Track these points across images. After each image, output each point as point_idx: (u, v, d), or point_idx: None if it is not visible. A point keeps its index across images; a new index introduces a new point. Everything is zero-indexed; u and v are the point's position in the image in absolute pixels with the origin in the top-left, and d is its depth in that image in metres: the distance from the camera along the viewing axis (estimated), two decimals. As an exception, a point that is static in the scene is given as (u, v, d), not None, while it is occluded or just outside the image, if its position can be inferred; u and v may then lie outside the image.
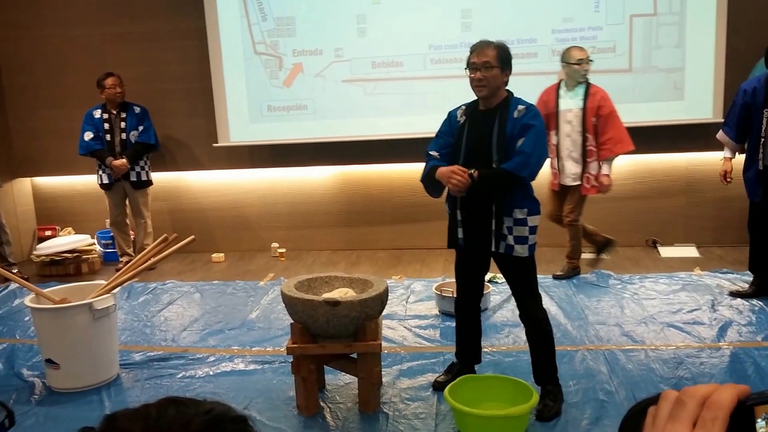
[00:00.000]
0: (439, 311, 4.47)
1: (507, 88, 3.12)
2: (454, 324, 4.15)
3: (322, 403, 3.25)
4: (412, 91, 5.91)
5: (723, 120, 5.50)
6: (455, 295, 3.42)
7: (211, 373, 3.65)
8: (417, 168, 5.89)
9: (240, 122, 6.18)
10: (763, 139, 4.10)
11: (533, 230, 3.04)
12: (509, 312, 4.37)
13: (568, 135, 4.88)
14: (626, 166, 5.93)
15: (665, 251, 5.72)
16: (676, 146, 5.75)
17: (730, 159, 4.43)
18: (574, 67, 4.79)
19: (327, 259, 6.08)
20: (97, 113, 5.82)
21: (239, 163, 6.38)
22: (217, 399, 0.68)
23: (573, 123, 4.85)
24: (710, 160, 5.80)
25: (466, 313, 3.37)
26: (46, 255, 5.83)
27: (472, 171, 2.95)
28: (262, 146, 6.27)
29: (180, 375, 3.63)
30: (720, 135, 4.45)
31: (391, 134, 5.93)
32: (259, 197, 6.47)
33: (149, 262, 3.63)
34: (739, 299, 4.38)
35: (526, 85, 5.71)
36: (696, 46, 5.51)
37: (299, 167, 6.32)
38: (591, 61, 4.86)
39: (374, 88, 5.98)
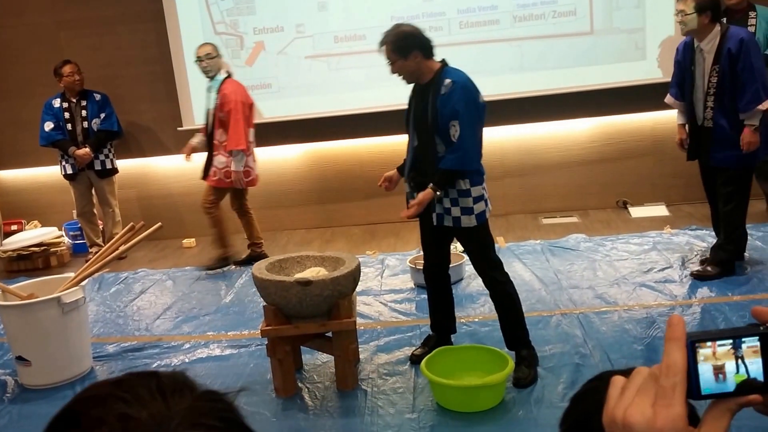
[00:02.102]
0: (415, 284, 4.48)
1: (444, 58, 3.16)
2: (428, 296, 4.18)
3: (300, 384, 3.24)
4: (376, 64, 5.80)
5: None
6: (423, 264, 3.46)
7: (186, 360, 3.62)
8: (386, 141, 5.91)
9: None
10: (693, 97, 4.06)
11: (478, 200, 3.08)
12: (484, 281, 4.39)
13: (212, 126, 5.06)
14: (593, 128, 5.96)
15: (635, 211, 5.77)
16: (641, 106, 5.77)
17: (683, 125, 4.28)
18: (199, 65, 4.99)
19: (301, 238, 6.05)
20: (57, 102, 5.67)
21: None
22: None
23: (210, 115, 5.04)
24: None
25: (435, 283, 3.39)
26: (13, 250, 5.71)
27: (437, 191, 3.05)
28: (229, 128, 6.17)
29: (155, 364, 3.60)
30: (668, 98, 4.33)
31: (358, 108, 5.88)
32: (229, 179, 6.39)
33: (117, 252, 3.57)
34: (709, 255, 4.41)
35: (489, 53, 5.70)
36: (655, 6, 5.51)
37: (267, 147, 6.23)
38: (215, 57, 4.98)
39: (338, 63, 5.91)
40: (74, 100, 5.66)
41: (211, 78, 5.01)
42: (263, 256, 5.26)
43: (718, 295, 3.86)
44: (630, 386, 0.57)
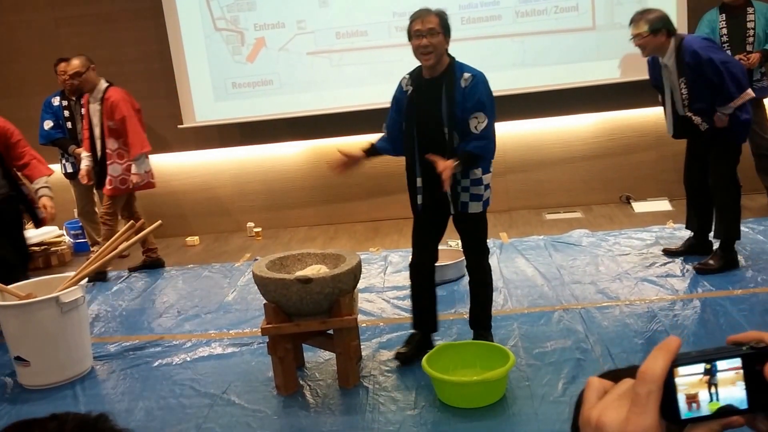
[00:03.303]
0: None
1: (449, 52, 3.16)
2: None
3: (301, 382, 3.23)
4: (378, 60, 5.82)
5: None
6: (411, 260, 3.42)
7: (188, 359, 3.61)
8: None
9: (205, 101, 6.06)
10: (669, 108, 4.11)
11: (487, 187, 3.20)
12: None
13: (98, 137, 5.03)
14: (596, 124, 5.93)
15: (639, 206, 5.75)
16: (644, 102, 5.73)
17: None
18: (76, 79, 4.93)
19: (304, 236, 6.04)
20: (56, 100, 5.65)
21: (208, 143, 6.28)
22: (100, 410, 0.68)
23: (98, 126, 5.00)
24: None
25: (422, 277, 3.37)
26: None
27: (457, 164, 2.96)
28: (230, 124, 6.16)
29: (156, 363, 3.59)
30: (660, 99, 4.36)
31: (360, 105, 5.85)
32: (232, 177, 6.38)
33: (117, 250, 3.57)
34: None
35: (491, 49, 5.67)
36: (657, 1, 5.46)
37: (270, 144, 6.22)
38: (88, 69, 4.92)
39: (340, 59, 5.89)
40: (74, 98, 5.64)
41: (89, 90, 4.96)
42: (160, 261, 5.34)
43: (719, 289, 3.84)
44: (613, 391, 0.57)
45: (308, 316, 3.11)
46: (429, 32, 2.99)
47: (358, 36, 5.82)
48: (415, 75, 3.20)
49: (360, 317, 3.62)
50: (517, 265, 4.58)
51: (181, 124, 6.08)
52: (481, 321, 3.37)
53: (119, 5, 6.04)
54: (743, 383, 0.54)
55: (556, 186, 6.02)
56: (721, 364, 0.54)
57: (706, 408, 0.54)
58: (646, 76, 5.52)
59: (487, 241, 3.35)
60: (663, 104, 4.19)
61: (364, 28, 5.80)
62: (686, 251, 4.39)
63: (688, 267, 4.19)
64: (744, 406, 0.54)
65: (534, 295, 4.03)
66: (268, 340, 3.15)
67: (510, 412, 2.82)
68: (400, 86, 3.27)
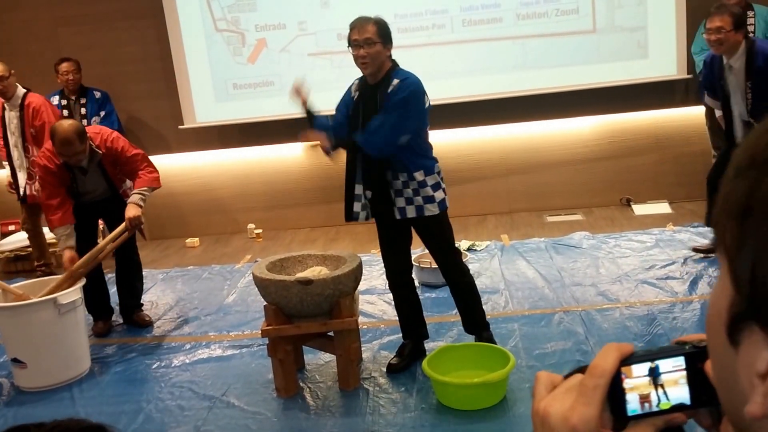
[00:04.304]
0: (419, 283, 4.44)
1: (393, 58, 3.14)
2: (434, 295, 4.18)
3: (302, 384, 3.23)
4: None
5: (693, 78, 5.46)
6: (386, 272, 3.38)
7: (187, 361, 3.61)
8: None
9: (205, 102, 6.06)
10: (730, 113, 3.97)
11: (436, 187, 3.12)
12: (488, 279, 4.38)
13: (15, 146, 4.97)
14: (596, 126, 5.93)
15: (639, 209, 5.75)
16: (644, 104, 5.74)
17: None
18: None
19: (305, 237, 6.03)
20: (55, 100, 5.61)
21: (208, 144, 6.26)
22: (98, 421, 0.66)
23: (15, 134, 4.93)
24: (678, 116, 5.80)
25: (401, 290, 3.33)
26: (10, 251, 5.68)
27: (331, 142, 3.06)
28: (231, 125, 6.15)
29: (155, 365, 3.58)
30: (707, 100, 4.26)
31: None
32: (233, 178, 6.37)
33: (109, 249, 3.56)
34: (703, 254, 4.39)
35: (492, 51, 5.67)
36: (657, 4, 5.47)
37: (271, 145, 6.22)
38: (9, 77, 4.86)
39: (341, 60, 5.87)
40: (73, 98, 5.63)
41: (8, 98, 4.90)
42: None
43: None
44: (562, 385, 0.59)
45: (308, 318, 3.10)
46: (365, 42, 2.97)
47: (359, 37, 5.82)
48: (362, 81, 3.18)
49: (361, 319, 3.62)
50: (518, 267, 4.57)
51: (182, 124, 6.08)
52: (477, 322, 3.30)
53: (119, 5, 6.02)
54: (686, 381, 0.56)
55: (557, 188, 6.02)
56: (666, 363, 0.56)
57: (656, 407, 0.56)
58: (648, 78, 5.57)
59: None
60: (722, 108, 4.01)
61: (365, 30, 5.79)
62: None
63: (688, 270, 4.19)
64: (687, 402, 0.56)
65: (535, 297, 4.02)
66: (268, 342, 3.15)
67: (510, 413, 2.81)
68: (349, 90, 3.24)
